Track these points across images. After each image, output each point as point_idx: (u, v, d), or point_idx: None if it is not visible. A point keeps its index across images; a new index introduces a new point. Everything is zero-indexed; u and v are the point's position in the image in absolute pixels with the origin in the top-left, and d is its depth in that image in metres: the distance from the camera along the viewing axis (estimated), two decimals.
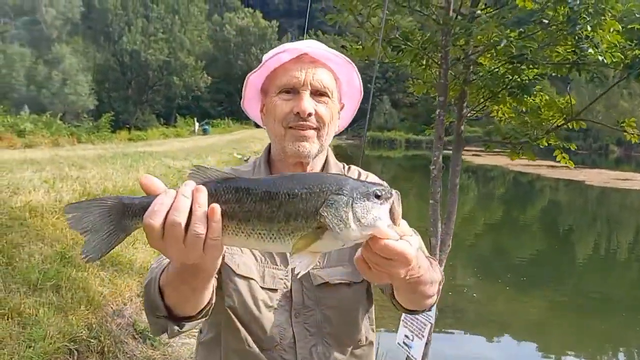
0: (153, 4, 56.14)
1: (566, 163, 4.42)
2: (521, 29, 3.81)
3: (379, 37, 3.77)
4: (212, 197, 0.98)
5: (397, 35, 4.11)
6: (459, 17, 4.13)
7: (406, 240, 0.99)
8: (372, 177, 1.68)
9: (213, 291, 1.27)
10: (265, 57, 1.53)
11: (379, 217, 0.96)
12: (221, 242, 0.98)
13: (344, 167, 1.71)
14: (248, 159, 18.65)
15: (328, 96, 1.49)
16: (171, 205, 0.95)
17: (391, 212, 0.98)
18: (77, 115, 41.72)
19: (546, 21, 3.84)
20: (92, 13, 55.28)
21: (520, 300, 8.97)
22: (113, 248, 1.04)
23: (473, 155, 34.45)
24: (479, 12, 3.91)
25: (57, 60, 45.70)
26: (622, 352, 7.43)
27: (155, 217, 0.95)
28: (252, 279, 1.45)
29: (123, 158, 12.16)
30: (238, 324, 1.44)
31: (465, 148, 4.72)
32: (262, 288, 1.46)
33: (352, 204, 0.96)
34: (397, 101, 67.01)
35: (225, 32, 64.82)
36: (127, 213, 1.01)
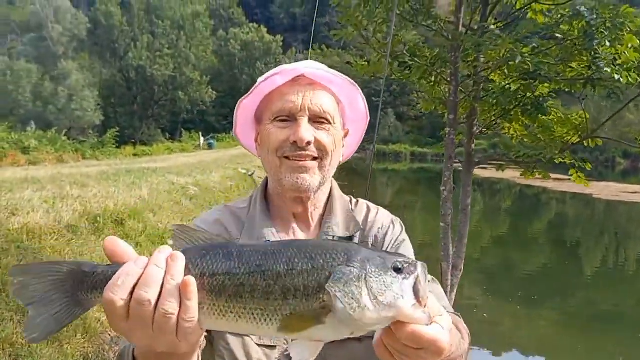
0: (159, 20, 56.51)
1: (582, 183, 4.24)
2: (534, 44, 3.66)
3: (385, 53, 3.63)
4: (196, 267, 0.80)
5: (404, 51, 3.96)
6: (469, 32, 3.98)
7: (437, 323, 0.81)
8: (383, 213, 1.50)
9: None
10: (259, 80, 1.36)
11: (401, 295, 0.77)
12: (199, 325, 0.80)
13: (351, 201, 1.51)
14: (253, 173, 18.52)
15: (329, 122, 1.31)
16: (140, 277, 0.77)
17: (415, 289, 0.78)
18: (83, 131, 41.98)
19: (559, 36, 3.69)
20: (99, 29, 55.71)
21: (531, 318, 8.77)
22: (65, 326, 0.85)
23: (479, 168, 34.13)
24: (492, 26, 3.74)
25: (63, 76, 46.04)
26: None
27: (118, 291, 0.76)
28: (246, 335, 1.27)
29: (126, 175, 11.98)
30: None
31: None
32: (259, 345, 1.28)
33: (365, 278, 0.77)
34: (402, 114, 66.89)
35: (230, 47, 65.00)
36: (86, 284, 0.83)
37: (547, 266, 12.65)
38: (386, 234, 1.45)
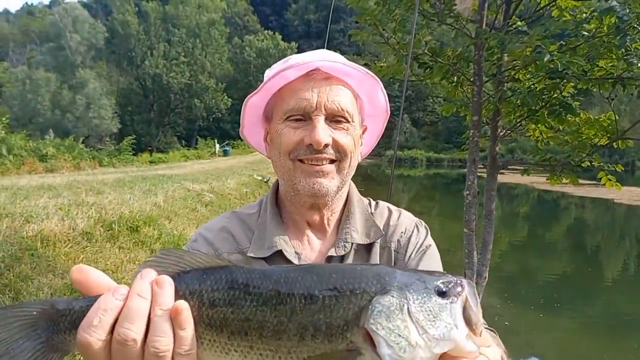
0: (175, 28, 57.05)
1: (613, 186, 4.05)
2: (562, 42, 3.50)
3: (405, 53, 3.50)
4: (194, 296, 0.67)
5: (425, 51, 3.82)
6: (493, 30, 3.83)
7: (485, 356, 0.68)
8: (405, 215, 1.36)
9: None
10: (267, 73, 1.22)
11: (454, 324, 0.63)
12: (197, 355, 0.67)
13: (370, 204, 1.36)
14: (268, 180, 18.45)
15: (347, 120, 1.16)
16: (120, 311, 0.64)
17: (466, 315, 0.64)
18: (101, 139, 42.46)
19: (586, 34, 3.53)
20: (116, 38, 56.42)
21: (553, 326, 8.57)
22: None
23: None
24: (519, 22, 3.58)
25: (81, 84, 46.69)
26: None
27: (94, 332, 0.63)
28: None
29: (142, 182, 11.98)
30: None
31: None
32: None
33: (408, 309, 0.63)
34: (418, 120, 66.76)
35: (245, 54, 65.40)
36: (62, 324, 0.69)
37: (568, 272, 12.45)
38: (410, 238, 1.30)
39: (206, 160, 33.24)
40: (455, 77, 4.00)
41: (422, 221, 1.38)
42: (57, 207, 6.95)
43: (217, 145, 42.81)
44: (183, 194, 11.31)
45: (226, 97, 57.98)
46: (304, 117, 1.14)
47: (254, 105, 1.25)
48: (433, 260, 1.29)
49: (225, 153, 41.62)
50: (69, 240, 5.89)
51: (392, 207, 1.39)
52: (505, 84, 3.97)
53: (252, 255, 1.18)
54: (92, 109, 45.07)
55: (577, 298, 10.12)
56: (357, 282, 0.66)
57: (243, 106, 1.24)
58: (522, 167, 4.48)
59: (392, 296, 0.64)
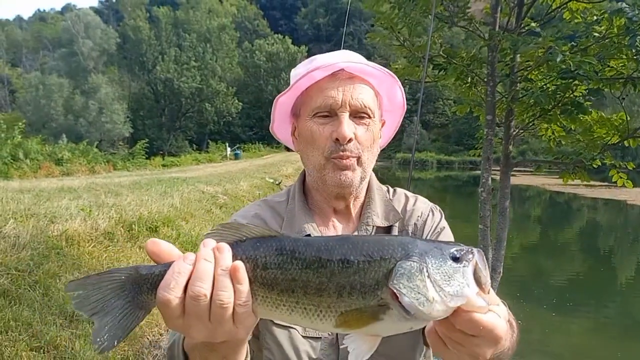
0: (185, 33, 57.50)
1: (624, 184, 4.13)
2: (573, 43, 3.60)
3: (420, 55, 3.61)
4: (250, 260, 0.82)
5: (440, 53, 3.93)
6: (505, 32, 3.94)
7: (494, 312, 0.80)
8: (421, 201, 1.50)
9: (248, 353, 1.06)
10: (293, 73, 1.35)
11: (467, 284, 0.76)
12: (253, 309, 0.82)
13: (388, 190, 1.51)
14: (280, 182, 18.59)
15: (369, 116, 1.29)
16: (191, 274, 0.78)
17: (476, 276, 0.78)
18: (113, 143, 42.85)
19: (596, 34, 3.63)
20: (127, 44, 57.00)
21: (566, 326, 8.58)
22: (131, 331, 0.85)
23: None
24: (532, 24, 3.69)
25: (93, 90, 47.19)
26: None
27: (172, 291, 0.77)
28: (292, 327, 1.28)
29: (158, 184, 12.17)
30: None
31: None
32: (304, 337, 1.28)
33: (427, 271, 0.77)
34: (428, 122, 66.52)
35: (255, 58, 65.60)
36: (145, 286, 0.83)
37: (581, 273, 12.41)
38: (425, 222, 1.44)
39: (218, 163, 33.46)
40: (469, 78, 4.12)
41: (437, 206, 1.52)
42: (78, 208, 7.12)
43: (229, 149, 43.06)
44: (198, 196, 11.48)
45: (237, 101, 58.23)
46: (330, 114, 1.27)
47: (283, 103, 1.37)
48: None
49: (237, 156, 41.83)
50: (92, 239, 6.06)
51: (409, 194, 1.53)
52: (518, 84, 4.07)
53: None
54: (104, 113, 45.52)
55: (590, 298, 10.12)
56: (386, 249, 0.80)
57: (273, 104, 1.37)
58: (533, 167, 4.57)
59: (414, 261, 0.77)
